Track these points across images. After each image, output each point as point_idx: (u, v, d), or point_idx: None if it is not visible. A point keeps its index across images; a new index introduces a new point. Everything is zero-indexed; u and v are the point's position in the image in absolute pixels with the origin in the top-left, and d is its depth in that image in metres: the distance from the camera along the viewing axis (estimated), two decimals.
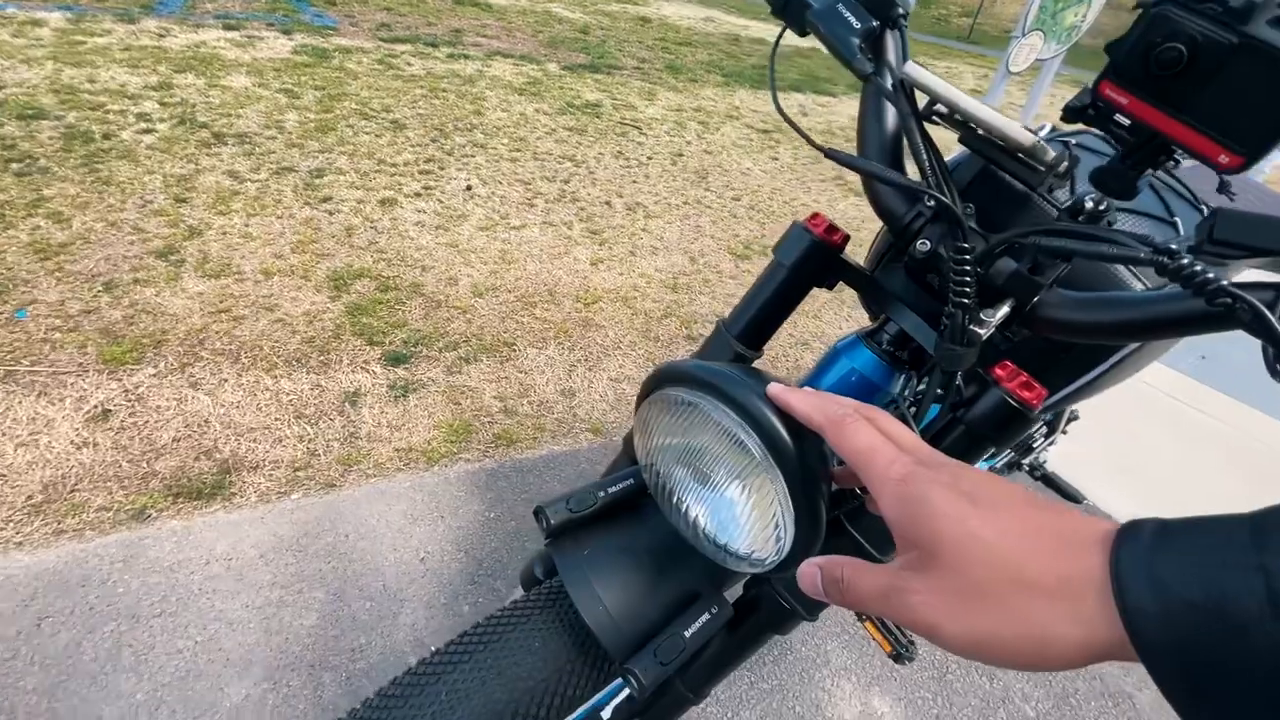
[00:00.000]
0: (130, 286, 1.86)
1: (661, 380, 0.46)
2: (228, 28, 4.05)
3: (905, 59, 0.43)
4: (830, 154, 0.47)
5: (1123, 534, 0.24)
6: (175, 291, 1.88)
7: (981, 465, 0.75)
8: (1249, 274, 0.39)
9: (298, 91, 3.34)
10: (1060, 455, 1.69)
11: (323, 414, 1.61)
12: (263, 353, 1.74)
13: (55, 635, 1.09)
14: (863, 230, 3.12)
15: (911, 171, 0.49)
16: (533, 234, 2.56)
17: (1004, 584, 0.25)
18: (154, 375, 1.61)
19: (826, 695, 1.25)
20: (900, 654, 1.08)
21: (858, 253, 0.62)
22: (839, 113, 5.19)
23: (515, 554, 1.37)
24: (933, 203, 0.48)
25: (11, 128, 2.47)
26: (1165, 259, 0.34)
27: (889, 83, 0.46)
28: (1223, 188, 0.65)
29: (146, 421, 1.49)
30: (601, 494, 0.56)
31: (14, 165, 2.26)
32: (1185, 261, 0.34)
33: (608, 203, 2.93)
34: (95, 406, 1.50)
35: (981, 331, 0.43)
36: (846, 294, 2.54)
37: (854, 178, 3.86)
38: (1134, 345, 0.60)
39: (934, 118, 0.47)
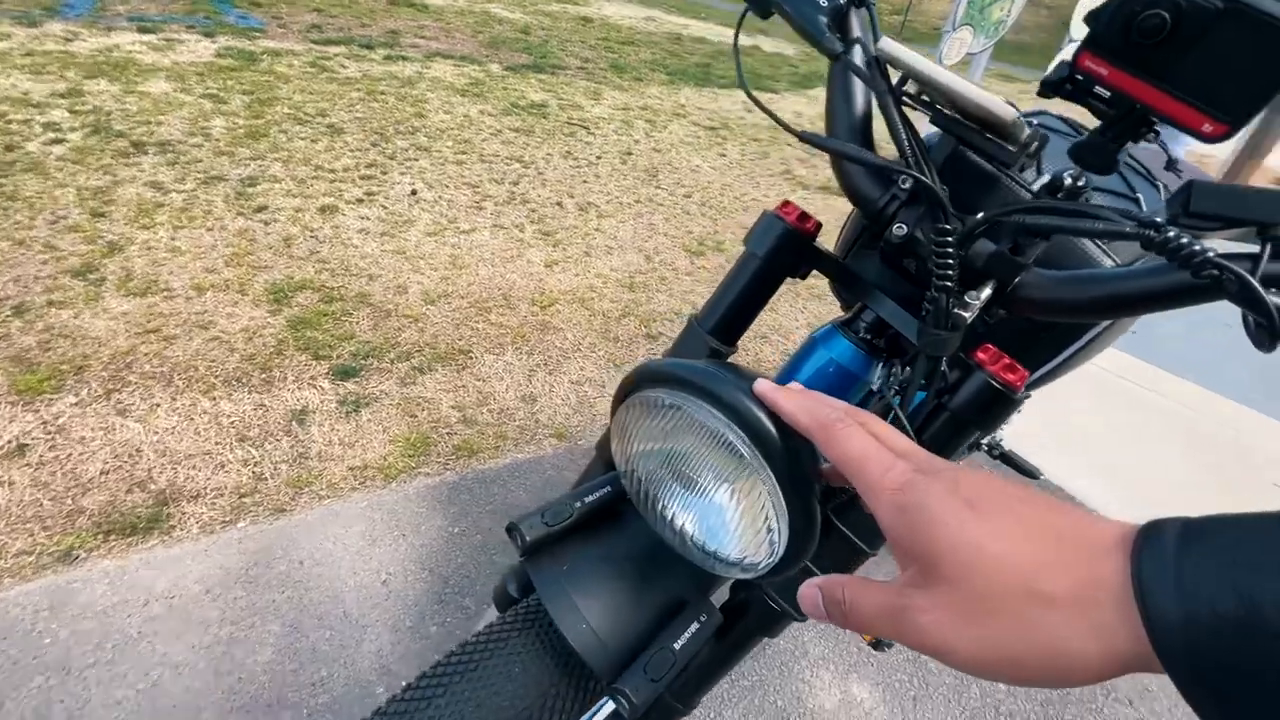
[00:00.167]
0: (44, 309, 1.71)
1: (640, 381, 0.44)
2: (143, 30, 3.81)
3: (876, 36, 0.42)
4: (804, 137, 0.45)
5: (1144, 537, 0.22)
6: (96, 313, 1.74)
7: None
8: (1217, 244, 0.39)
9: (224, 96, 3.17)
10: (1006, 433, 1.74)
11: (268, 435, 1.51)
12: (198, 374, 1.63)
13: None
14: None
15: (883, 153, 0.48)
16: (483, 237, 2.50)
17: (1015, 597, 0.23)
18: (76, 404, 1.48)
19: (806, 687, 1.25)
20: (879, 640, 1.09)
21: (827, 242, 0.61)
22: (781, 109, 5.27)
23: (483, 569, 1.32)
24: (907, 185, 0.47)
25: None
26: (1152, 232, 0.34)
27: (858, 61, 0.44)
28: (1170, 165, 0.67)
29: (69, 455, 1.37)
30: (578, 504, 0.53)
31: None
32: (1171, 234, 0.33)
33: (559, 203, 2.89)
34: (9, 442, 1.37)
35: (966, 315, 0.42)
36: (801, 286, 2.57)
37: (803, 172, 3.92)
38: (1107, 321, 0.61)
39: (903, 98, 0.46)
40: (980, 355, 0.46)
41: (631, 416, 0.46)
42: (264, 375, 1.67)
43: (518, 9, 6.91)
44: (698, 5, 10.13)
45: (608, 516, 0.55)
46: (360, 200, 2.56)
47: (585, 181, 3.16)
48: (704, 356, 0.58)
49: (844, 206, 0.62)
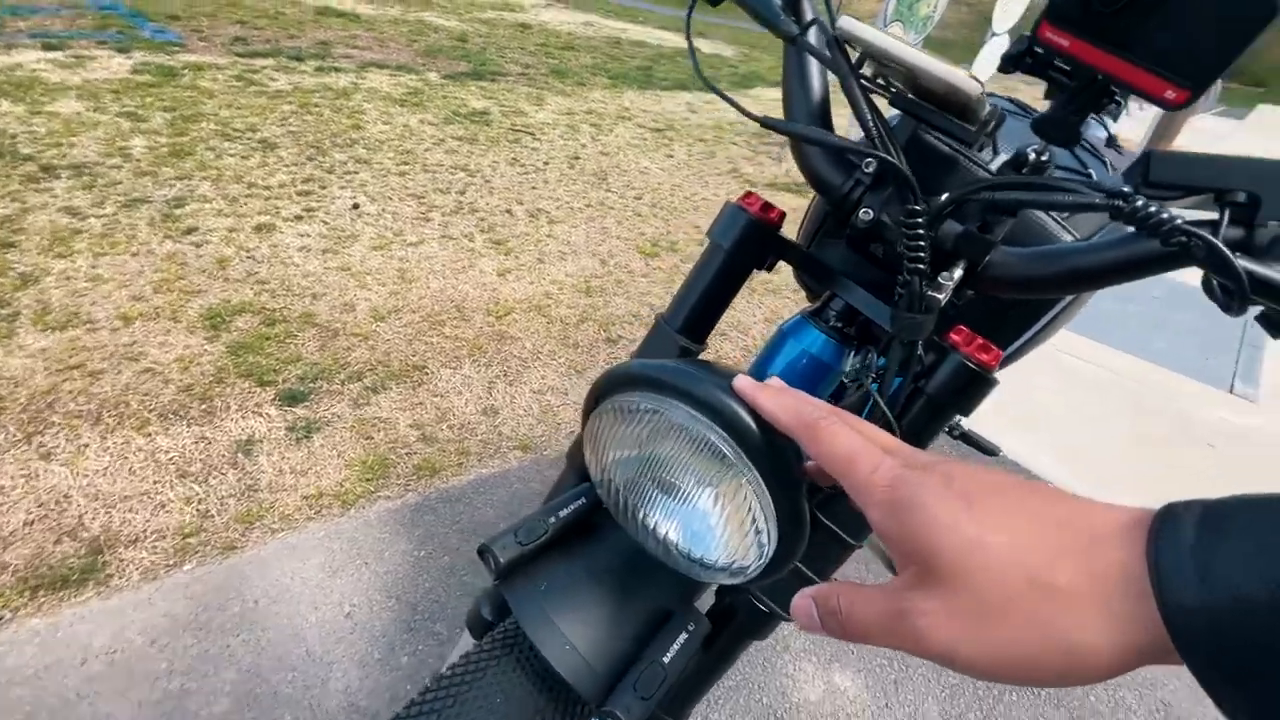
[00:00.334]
0: None
1: (612, 386, 0.41)
2: (48, 48, 3.58)
3: (834, 16, 0.41)
4: (766, 122, 0.44)
5: (1160, 521, 0.21)
6: (9, 350, 1.61)
7: None
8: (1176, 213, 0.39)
9: (143, 114, 3.00)
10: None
11: (212, 469, 1.42)
12: (130, 409, 1.52)
13: None
14: None
15: (843, 136, 0.47)
16: (432, 249, 2.43)
17: (1020, 591, 0.22)
18: None
19: (791, 681, 1.25)
20: None
21: (789, 233, 0.60)
22: (725, 109, 5.32)
23: (453, 592, 1.27)
24: (871, 169, 0.46)
25: None
26: (1120, 202, 0.33)
27: (814, 41, 0.43)
28: (1111, 142, 0.69)
29: None
30: (552, 519, 0.51)
31: None
32: (1140, 203, 0.33)
33: (508, 211, 2.83)
34: None
35: (939, 296, 0.41)
36: (756, 280, 2.59)
37: (750, 170, 3.97)
38: (1072, 296, 0.62)
39: (861, 80, 0.45)
40: (954, 337, 0.45)
41: (605, 424, 0.44)
42: (204, 406, 1.57)
43: (453, 17, 6.80)
44: (635, 10, 10.19)
45: (584, 530, 0.53)
46: (299, 217, 2.45)
47: (534, 188, 3.11)
48: (674, 356, 0.56)
49: (793, 202, 0.61)
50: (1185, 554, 0.20)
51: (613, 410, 0.42)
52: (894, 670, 1.30)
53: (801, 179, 0.55)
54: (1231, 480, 1.92)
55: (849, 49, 0.42)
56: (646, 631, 0.49)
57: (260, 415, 1.58)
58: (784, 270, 0.60)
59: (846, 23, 0.38)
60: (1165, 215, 0.32)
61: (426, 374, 1.82)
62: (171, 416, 1.53)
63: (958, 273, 0.42)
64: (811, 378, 0.54)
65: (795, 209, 0.54)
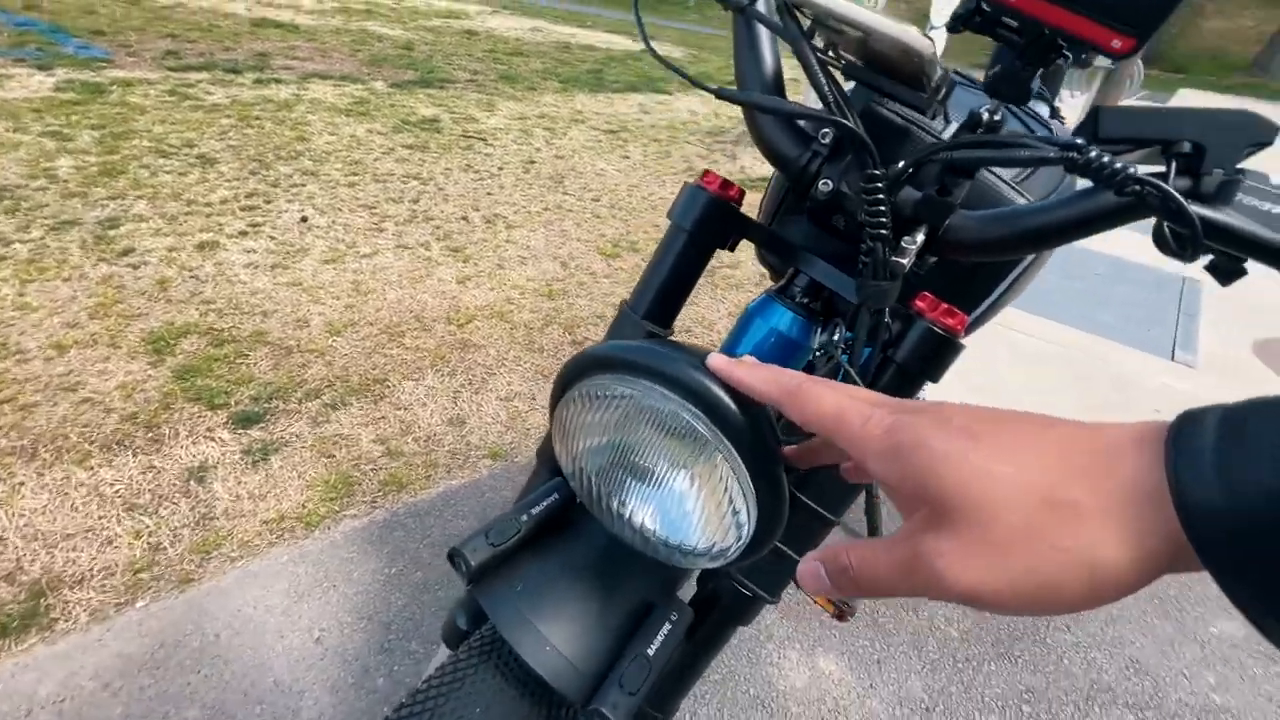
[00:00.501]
0: None
1: (580, 370, 0.40)
2: None
3: None
4: (722, 94, 0.43)
5: (1179, 427, 0.21)
6: None
7: None
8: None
9: (69, 133, 2.85)
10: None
11: (162, 499, 1.35)
12: (69, 442, 1.43)
13: None
14: None
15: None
16: (387, 259, 2.37)
17: (1035, 516, 0.22)
18: None
19: (776, 669, 1.24)
20: (842, 610, 1.09)
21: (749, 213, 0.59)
22: (677, 109, 5.36)
23: (429, 608, 1.23)
24: (828, 139, 0.46)
25: None
26: (1075, 155, 0.33)
27: (764, 9, 0.43)
28: (1054, 113, 0.71)
29: None
30: (525, 518, 0.49)
31: None
32: (1094, 154, 0.33)
33: (464, 218, 2.79)
34: None
35: (903, 261, 0.41)
36: (718, 275, 2.61)
37: (704, 166, 3.99)
38: (1031, 257, 0.63)
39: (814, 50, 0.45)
40: (919, 304, 0.45)
41: (573, 412, 0.42)
42: (151, 434, 1.49)
43: (397, 25, 6.67)
44: (582, 14, 10.18)
45: (558, 526, 0.51)
46: (244, 233, 2.36)
47: (490, 193, 3.07)
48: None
49: (750, 198, 0.60)
50: (1206, 458, 0.19)
51: (581, 396, 0.41)
52: (876, 650, 1.31)
53: (757, 176, 0.54)
54: None
55: (800, 15, 0.42)
56: (629, 625, 0.48)
57: (212, 440, 1.51)
58: (747, 264, 0.59)
59: None
60: (1119, 165, 0.33)
61: (388, 387, 1.76)
62: (115, 447, 1.44)
63: (920, 237, 0.42)
64: (781, 355, 0.53)
65: (751, 205, 0.53)
